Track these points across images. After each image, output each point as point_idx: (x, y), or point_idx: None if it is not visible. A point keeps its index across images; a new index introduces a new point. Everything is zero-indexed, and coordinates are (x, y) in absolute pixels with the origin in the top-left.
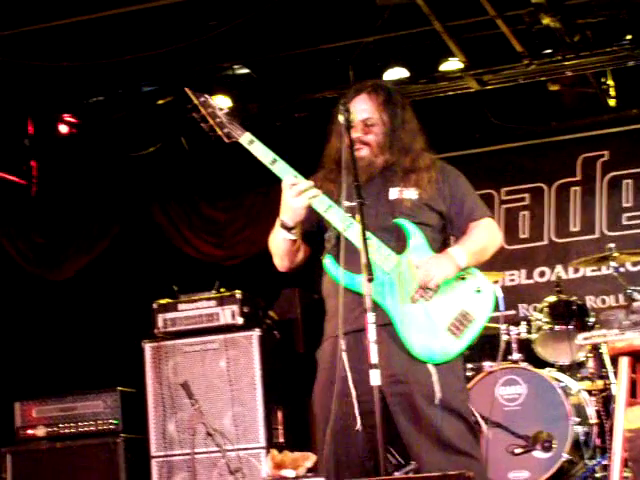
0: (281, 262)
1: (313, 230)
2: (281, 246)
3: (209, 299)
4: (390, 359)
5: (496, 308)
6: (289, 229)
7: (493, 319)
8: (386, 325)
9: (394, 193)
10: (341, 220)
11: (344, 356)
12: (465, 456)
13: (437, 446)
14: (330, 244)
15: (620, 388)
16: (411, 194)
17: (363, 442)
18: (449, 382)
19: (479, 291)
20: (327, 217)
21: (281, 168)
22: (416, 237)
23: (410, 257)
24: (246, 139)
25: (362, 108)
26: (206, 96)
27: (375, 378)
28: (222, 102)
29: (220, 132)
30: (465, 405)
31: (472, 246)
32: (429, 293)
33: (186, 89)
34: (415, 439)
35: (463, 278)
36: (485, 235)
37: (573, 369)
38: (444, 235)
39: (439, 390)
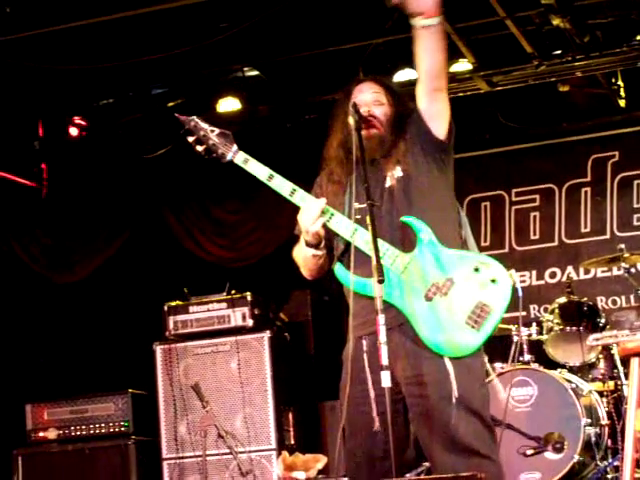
0: (310, 273)
1: (330, 237)
2: (310, 261)
3: (220, 301)
4: (407, 359)
5: (514, 296)
6: (316, 246)
7: (507, 319)
8: (402, 324)
9: (388, 180)
10: (346, 227)
11: (364, 358)
12: (481, 457)
13: (452, 447)
14: (338, 251)
15: (631, 389)
16: (397, 172)
17: (380, 442)
18: (467, 380)
19: (495, 281)
20: (331, 226)
21: (279, 183)
22: (424, 233)
23: (420, 255)
24: (240, 158)
25: (369, 88)
26: (196, 120)
27: (386, 380)
28: (232, 104)
29: (215, 154)
30: (483, 403)
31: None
32: (442, 290)
33: (176, 114)
34: (430, 440)
35: (477, 269)
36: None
37: (584, 370)
38: (445, 177)
39: (456, 388)
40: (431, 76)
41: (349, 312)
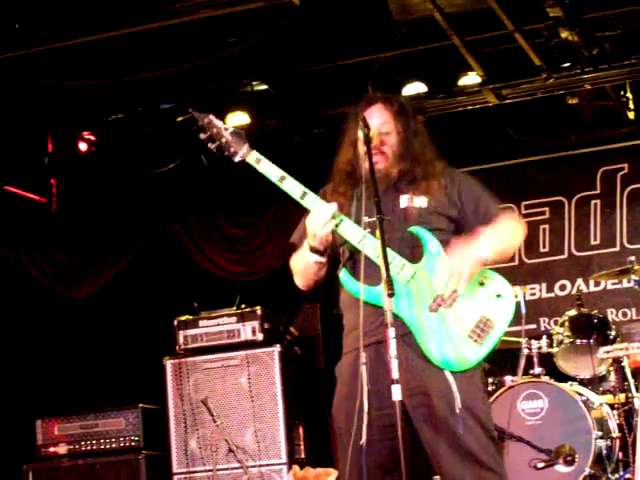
0: (306, 282)
1: (335, 245)
2: (311, 268)
3: (230, 315)
4: (410, 370)
5: (517, 312)
6: (321, 253)
7: (515, 333)
8: (405, 335)
9: (404, 201)
10: (354, 234)
11: (363, 370)
12: (488, 471)
13: (460, 459)
14: (345, 257)
15: None
16: (421, 202)
17: (386, 455)
18: (470, 391)
19: (500, 296)
20: (340, 232)
21: (290, 185)
22: (432, 244)
23: (427, 266)
24: (253, 157)
25: (377, 117)
26: (211, 117)
27: (397, 393)
28: (240, 119)
29: (227, 152)
30: (487, 415)
31: (497, 240)
32: (447, 301)
33: (190, 110)
34: (438, 451)
35: (482, 283)
36: (509, 229)
37: (595, 383)
38: (455, 237)
39: (459, 400)
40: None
41: (344, 325)
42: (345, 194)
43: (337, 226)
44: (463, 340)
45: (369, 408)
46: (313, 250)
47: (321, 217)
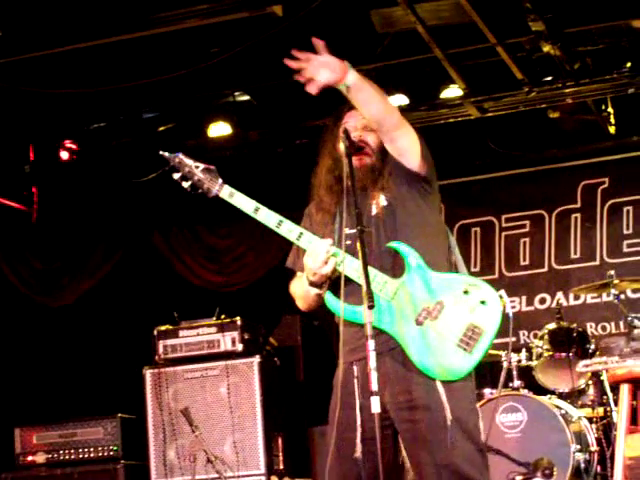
0: (308, 307)
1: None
2: (312, 299)
3: (210, 326)
4: (398, 384)
5: (505, 317)
6: (320, 286)
7: (498, 346)
8: (394, 349)
9: (374, 208)
10: (355, 269)
11: (355, 383)
12: None
13: (446, 473)
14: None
15: (621, 415)
16: (382, 201)
17: (368, 467)
18: (460, 403)
19: (484, 303)
20: (340, 269)
21: (265, 216)
22: (412, 257)
23: (409, 280)
24: (226, 192)
25: (361, 114)
26: (181, 156)
27: (375, 405)
28: (222, 129)
29: (200, 190)
30: (476, 427)
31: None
32: (433, 313)
33: (160, 152)
34: (424, 466)
35: (466, 291)
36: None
37: (574, 396)
38: (430, 202)
39: (450, 412)
40: (378, 122)
41: (339, 338)
42: (329, 210)
43: (338, 265)
44: (453, 350)
45: (361, 421)
46: (312, 284)
47: (320, 257)
